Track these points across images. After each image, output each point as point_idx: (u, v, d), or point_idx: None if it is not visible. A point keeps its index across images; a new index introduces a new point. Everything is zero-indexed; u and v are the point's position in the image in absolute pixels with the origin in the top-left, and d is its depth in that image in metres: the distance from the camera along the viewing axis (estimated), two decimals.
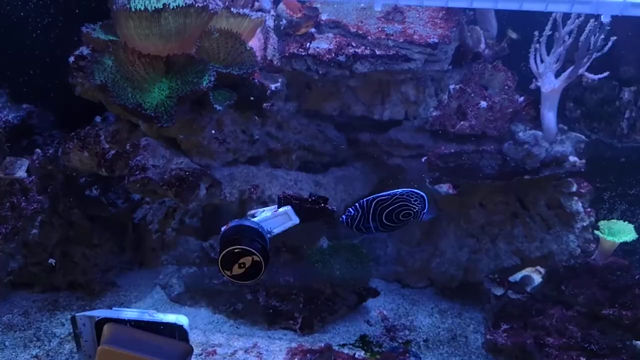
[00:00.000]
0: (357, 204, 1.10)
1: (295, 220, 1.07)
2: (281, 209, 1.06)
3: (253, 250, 0.98)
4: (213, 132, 1.48)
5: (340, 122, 1.76)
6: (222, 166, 1.56)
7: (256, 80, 1.46)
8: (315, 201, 1.07)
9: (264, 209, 1.09)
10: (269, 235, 1.05)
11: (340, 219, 1.10)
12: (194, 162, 1.49)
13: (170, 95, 1.33)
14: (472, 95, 1.55)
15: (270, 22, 1.58)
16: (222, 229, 1.05)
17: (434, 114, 1.58)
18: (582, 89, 1.78)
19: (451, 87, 1.57)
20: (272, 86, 1.51)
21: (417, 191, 1.09)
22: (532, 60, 1.49)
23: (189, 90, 1.32)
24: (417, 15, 1.53)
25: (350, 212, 1.10)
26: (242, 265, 0.99)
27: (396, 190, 1.09)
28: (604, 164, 1.78)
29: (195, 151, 1.50)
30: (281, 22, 1.52)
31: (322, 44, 1.50)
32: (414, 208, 1.10)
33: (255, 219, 1.06)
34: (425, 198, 1.10)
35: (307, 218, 1.08)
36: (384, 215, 1.11)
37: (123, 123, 1.51)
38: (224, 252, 0.99)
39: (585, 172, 1.62)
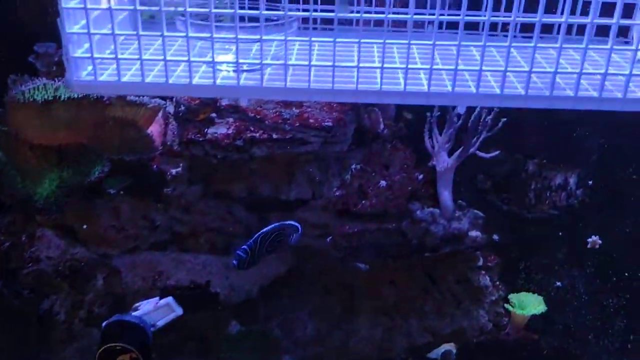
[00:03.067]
0: (246, 247, 1.29)
1: (179, 311, 1.13)
2: (162, 301, 1.12)
3: (132, 348, 1.03)
4: (110, 220, 1.54)
5: (249, 203, 1.84)
6: (122, 254, 1.61)
7: (155, 166, 1.54)
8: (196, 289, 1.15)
9: (148, 301, 1.15)
10: (152, 329, 1.10)
11: (233, 264, 1.25)
12: (90, 252, 1.54)
13: (60, 186, 1.40)
14: (373, 174, 1.67)
15: (170, 108, 1.68)
16: (103, 324, 1.10)
17: (337, 193, 1.69)
18: (491, 161, 1.93)
19: (353, 167, 1.69)
20: (173, 171, 1.60)
21: (293, 222, 1.36)
22: (426, 140, 1.62)
23: (80, 180, 1.39)
24: None
25: (242, 256, 1.25)
26: None
27: (276, 224, 1.34)
28: (516, 235, 1.91)
29: (92, 240, 1.55)
30: (180, 109, 1.62)
31: (221, 128, 1.60)
32: (289, 235, 1.35)
33: (137, 313, 1.11)
34: (299, 226, 1.37)
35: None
36: (265, 246, 1.31)
37: (18, 213, 1.56)
38: (102, 349, 1.04)
39: (498, 243, 1.74)
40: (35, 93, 1.40)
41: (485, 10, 0.79)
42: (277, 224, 1.34)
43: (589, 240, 1.80)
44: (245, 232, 1.86)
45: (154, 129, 1.59)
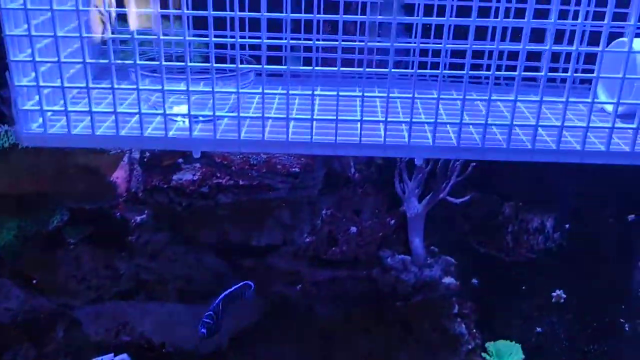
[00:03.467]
0: (210, 313, 1.32)
1: None
2: (117, 357, 1.09)
3: None
4: (71, 269, 1.51)
5: (219, 249, 1.82)
6: (84, 304, 1.58)
7: (118, 213, 1.52)
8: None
9: (102, 357, 1.11)
10: None
11: (202, 333, 1.25)
12: (51, 302, 1.50)
13: (18, 235, 1.37)
14: (344, 220, 1.65)
15: (136, 154, 1.66)
16: None
17: (308, 239, 1.67)
18: (468, 204, 1.92)
19: (323, 212, 1.67)
20: (137, 218, 1.57)
21: (248, 282, 1.44)
22: (396, 185, 1.62)
23: (39, 229, 1.37)
24: None
25: (210, 323, 1.25)
26: None
27: (235, 286, 1.42)
28: (494, 279, 1.89)
29: (52, 290, 1.52)
30: (146, 154, 1.61)
31: (187, 174, 1.59)
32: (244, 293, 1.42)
33: None
34: (252, 284, 1.46)
35: None
36: (226, 309, 1.37)
37: None
38: None
39: (476, 288, 1.73)
40: None
41: (444, 59, 0.79)
42: (236, 286, 1.41)
43: (554, 294, 1.81)
44: (215, 280, 1.83)
45: (119, 175, 1.57)
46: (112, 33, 0.98)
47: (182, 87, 0.80)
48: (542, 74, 0.76)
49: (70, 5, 0.80)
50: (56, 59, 0.79)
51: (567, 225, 1.87)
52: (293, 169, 1.57)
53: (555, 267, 1.87)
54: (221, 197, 1.58)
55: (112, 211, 1.50)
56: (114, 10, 0.93)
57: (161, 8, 0.75)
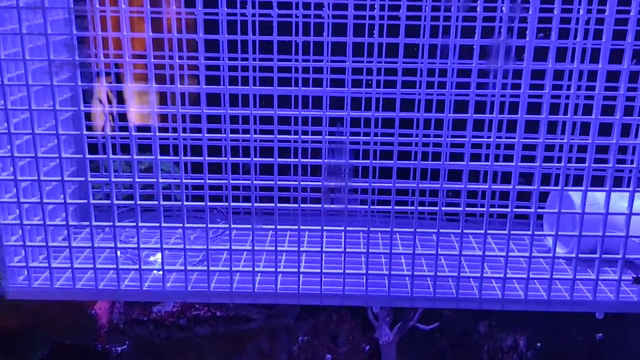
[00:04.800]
0: None
1: None
2: None
3: None
4: None
5: None
6: None
7: (99, 345, 1.56)
8: None
9: None
10: None
11: None
12: None
13: None
14: (320, 347, 1.69)
15: None
16: None
17: None
18: (443, 322, 1.96)
19: (300, 339, 1.71)
20: (118, 349, 1.61)
21: None
22: (369, 313, 1.67)
23: None
24: None
25: None
26: None
27: None
28: None
29: None
30: None
31: (167, 306, 1.64)
32: None
33: None
34: None
35: None
36: None
37: None
38: None
39: None
40: None
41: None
42: None
43: None
44: None
45: (102, 306, 1.62)
46: (112, 128, 1.08)
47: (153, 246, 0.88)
48: (484, 211, 0.85)
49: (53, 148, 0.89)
50: (41, 221, 0.87)
51: (538, 344, 1.90)
52: None
53: None
54: (199, 329, 1.63)
55: (93, 344, 1.53)
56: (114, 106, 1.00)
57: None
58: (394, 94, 0.78)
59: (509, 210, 0.84)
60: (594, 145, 0.81)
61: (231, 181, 0.85)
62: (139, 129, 0.86)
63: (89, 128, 0.97)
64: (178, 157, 0.85)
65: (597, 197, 0.89)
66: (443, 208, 0.85)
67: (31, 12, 0.78)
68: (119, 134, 1.14)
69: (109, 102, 1.01)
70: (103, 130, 1.02)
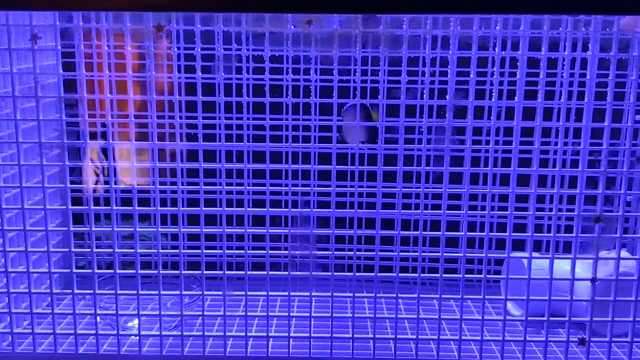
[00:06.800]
0: None
1: None
2: None
3: None
4: None
5: None
6: None
7: None
8: None
9: None
10: None
11: None
12: None
13: None
14: None
15: None
16: None
17: None
18: None
19: None
20: None
21: None
22: None
23: None
24: None
25: None
26: None
27: None
28: None
29: None
30: None
31: None
32: None
33: None
34: None
35: None
36: None
37: None
38: None
39: None
40: None
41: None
42: None
43: None
44: None
45: None
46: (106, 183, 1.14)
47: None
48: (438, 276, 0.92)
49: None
50: (27, 289, 0.94)
51: None
52: None
53: None
54: None
55: None
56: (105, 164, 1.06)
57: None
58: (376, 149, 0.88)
59: (460, 275, 0.91)
60: (533, 216, 0.89)
61: (204, 250, 0.92)
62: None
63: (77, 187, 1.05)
64: (155, 229, 0.92)
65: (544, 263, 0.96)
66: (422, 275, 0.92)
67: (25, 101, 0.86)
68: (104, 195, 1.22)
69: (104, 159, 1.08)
70: (94, 190, 1.10)
